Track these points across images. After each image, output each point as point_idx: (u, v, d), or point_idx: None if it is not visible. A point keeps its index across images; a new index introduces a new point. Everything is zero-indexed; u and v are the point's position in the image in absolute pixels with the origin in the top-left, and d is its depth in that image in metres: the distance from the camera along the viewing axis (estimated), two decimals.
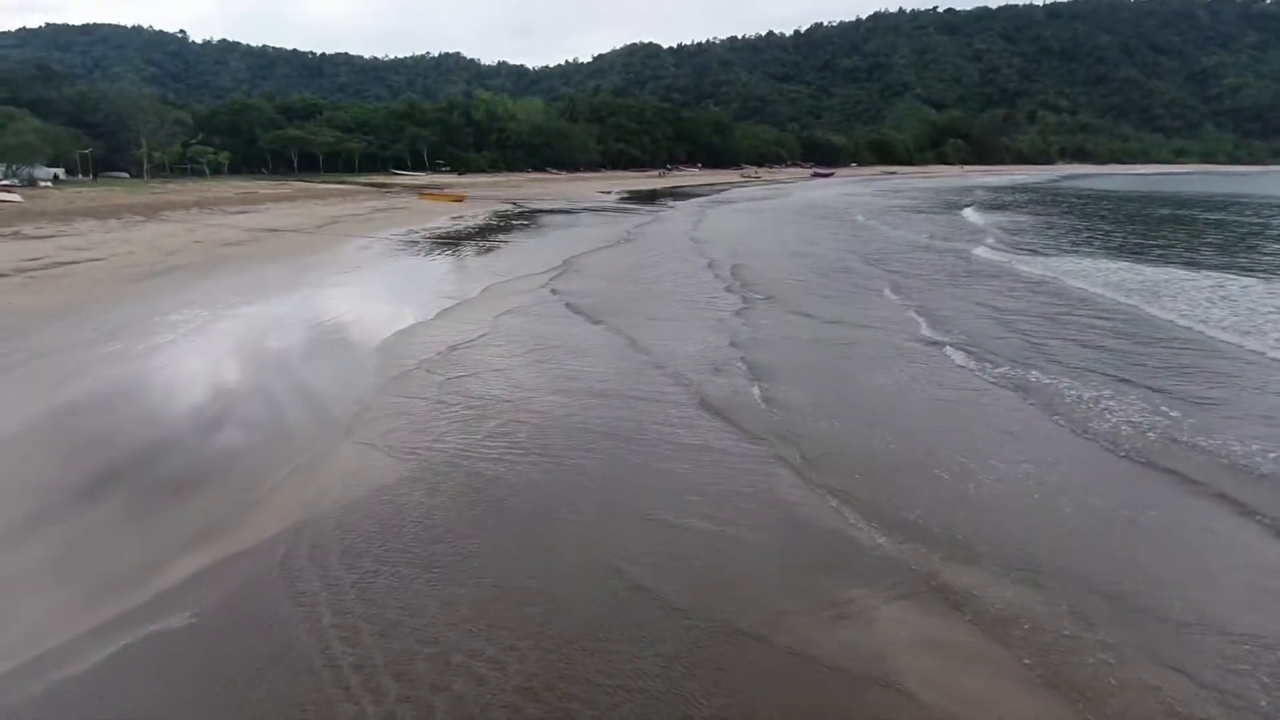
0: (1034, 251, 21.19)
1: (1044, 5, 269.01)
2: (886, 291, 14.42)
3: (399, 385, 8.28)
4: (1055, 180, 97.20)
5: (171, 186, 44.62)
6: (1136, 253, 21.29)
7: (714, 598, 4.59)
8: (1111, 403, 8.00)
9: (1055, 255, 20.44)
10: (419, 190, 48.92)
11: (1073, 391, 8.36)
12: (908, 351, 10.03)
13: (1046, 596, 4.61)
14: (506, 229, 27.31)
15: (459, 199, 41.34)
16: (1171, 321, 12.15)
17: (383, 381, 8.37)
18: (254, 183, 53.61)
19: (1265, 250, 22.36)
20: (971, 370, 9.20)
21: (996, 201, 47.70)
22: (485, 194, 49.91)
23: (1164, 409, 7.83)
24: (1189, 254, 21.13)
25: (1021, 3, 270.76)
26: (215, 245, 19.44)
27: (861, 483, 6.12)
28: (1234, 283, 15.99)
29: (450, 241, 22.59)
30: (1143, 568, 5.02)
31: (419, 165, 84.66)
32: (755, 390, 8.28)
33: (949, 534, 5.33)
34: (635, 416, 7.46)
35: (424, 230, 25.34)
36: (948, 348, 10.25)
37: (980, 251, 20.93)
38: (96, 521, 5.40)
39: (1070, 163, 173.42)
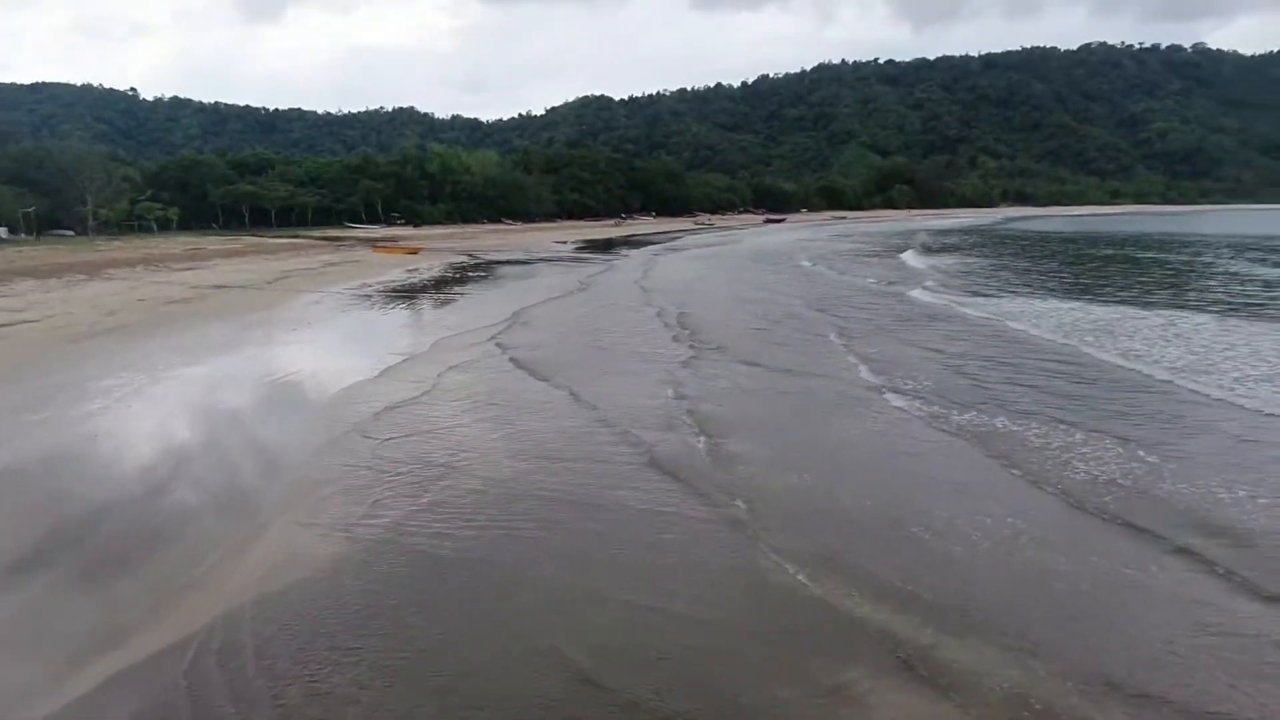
0: (988, 293, 21.79)
1: (979, 56, 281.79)
2: (832, 337, 14.60)
3: (334, 452, 7.96)
4: (1000, 223, 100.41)
5: (117, 244, 43.87)
6: (1086, 293, 21.97)
7: (691, 691, 4.17)
8: (1074, 452, 7.91)
9: (1004, 297, 21.01)
10: (373, 243, 48.80)
11: (1032, 440, 8.29)
12: (857, 400, 10.07)
13: (1051, 672, 4.30)
14: (461, 280, 27.36)
15: (413, 251, 41.34)
16: (1114, 364, 12.28)
17: (318, 448, 8.09)
18: (204, 238, 53.00)
19: (1201, 287, 23.22)
20: (924, 419, 9.18)
21: (944, 244, 49.05)
22: (440, 246, 49.96)
23: (1128, 456, 7.73)
24: (1134, 292, 21.84)
25: (958, 54, 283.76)
26: (159, 304, 19.15)
27: (831, 545, 5.86)
28: (1184, 320, 16.47)
29: (403, 295, 22.55)
30: (1135, 642, 4.70)
31: (374, 218, 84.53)
32: (709, 446, 8.15)
33: (936, 601, 5.04)
34: (583, 480, 7.20)
35: (377, 284, 25.26)
36: (894, 395, 10.31)
37: (925, 296, 21.37)
38: None
39: (1012, 205, 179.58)
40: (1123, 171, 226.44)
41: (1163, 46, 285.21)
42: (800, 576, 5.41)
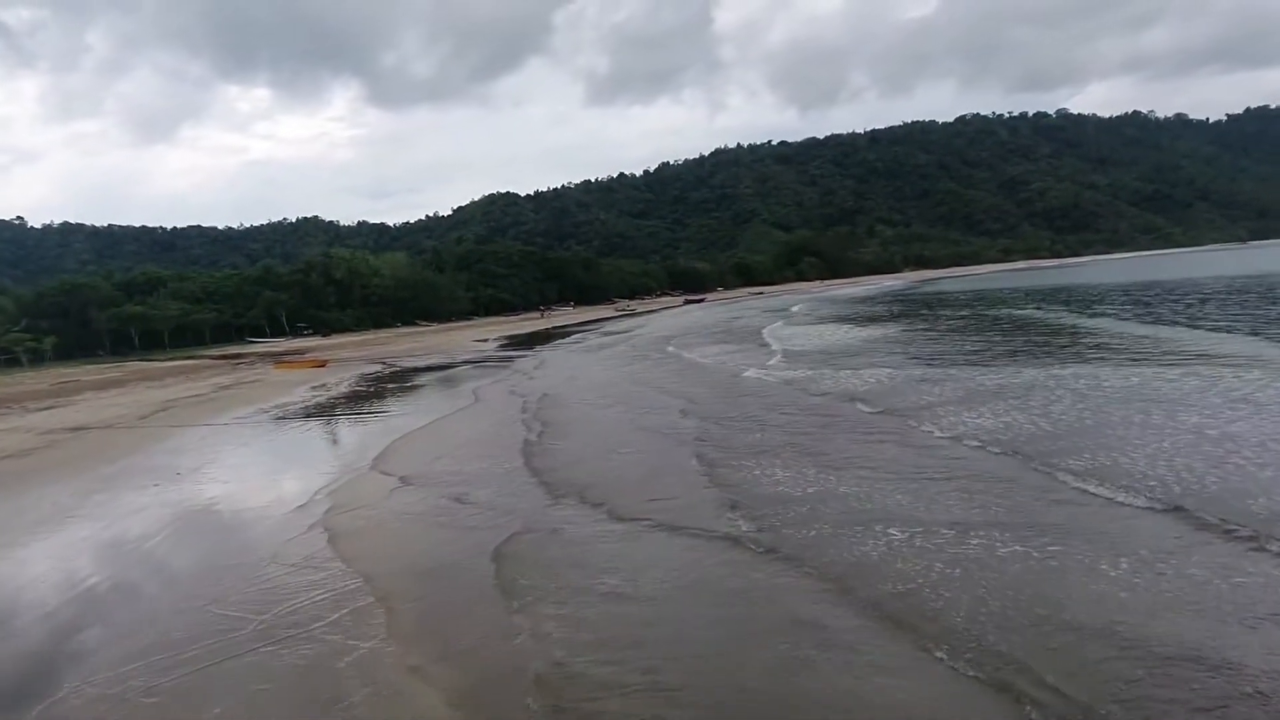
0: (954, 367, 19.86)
1: (865, 133, 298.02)
2: (693, 463, 10.84)
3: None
4: (914, 286, 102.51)
5: None
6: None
7: None
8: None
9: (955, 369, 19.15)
10: (275, 359, 44.71)
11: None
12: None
13: None
14: (374, 396, 23.95)
15: (319, 365, 37.59)
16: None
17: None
18: (80, 369, 47.72)
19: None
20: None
21: (873, 314, 48.13)
22: (352, 355, 46.17)
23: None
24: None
25: (845, 131, 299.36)
26: None
27: None
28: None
29: (305, 418, 19.14)
30: None
31: (278, 331, 79.80)
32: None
33: None
34: None
35: (274, 408, 21.65)
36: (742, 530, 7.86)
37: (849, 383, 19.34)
38: None
39: (915, 269, 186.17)
40: (1010, 230, 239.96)
41: (1030, 114, 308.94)
42: None
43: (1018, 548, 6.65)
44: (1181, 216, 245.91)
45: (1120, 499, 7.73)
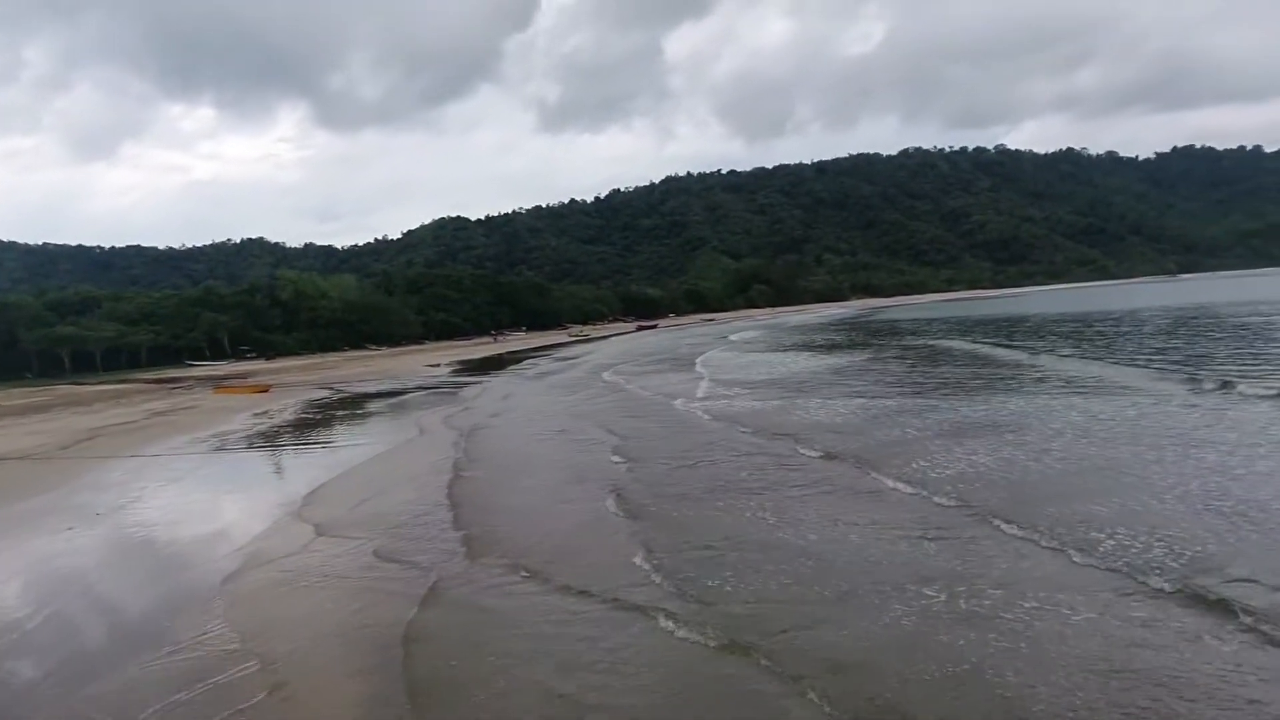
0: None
1: (812, 164, 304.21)
2: (609, 502, 10.40)
3: None
4: (865, 314, 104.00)
5: None
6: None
7: None
8: None
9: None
10: (216, 383, 42.98)
11: None
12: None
13: None
14: (321, 424, 22.91)
15: (262, 390, 36.14)
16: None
17: None
18: (2, 392, 45.19)
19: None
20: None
21: (832, 342, 48.42)
22: (297, 380, 44.64)
23: None
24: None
25: (793, 162, 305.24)
26: None
27: None
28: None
29: (247, 448, 18.13)
30: None
31: (220, 354, 77.11)
32: None
33: None
34: None
35: (211, 436, 20.52)
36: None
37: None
38: None
39: (862, 297, 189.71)
40: (952, 261, 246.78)
41: (970, 149, 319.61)
42: None
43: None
44: (1115, 249, 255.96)
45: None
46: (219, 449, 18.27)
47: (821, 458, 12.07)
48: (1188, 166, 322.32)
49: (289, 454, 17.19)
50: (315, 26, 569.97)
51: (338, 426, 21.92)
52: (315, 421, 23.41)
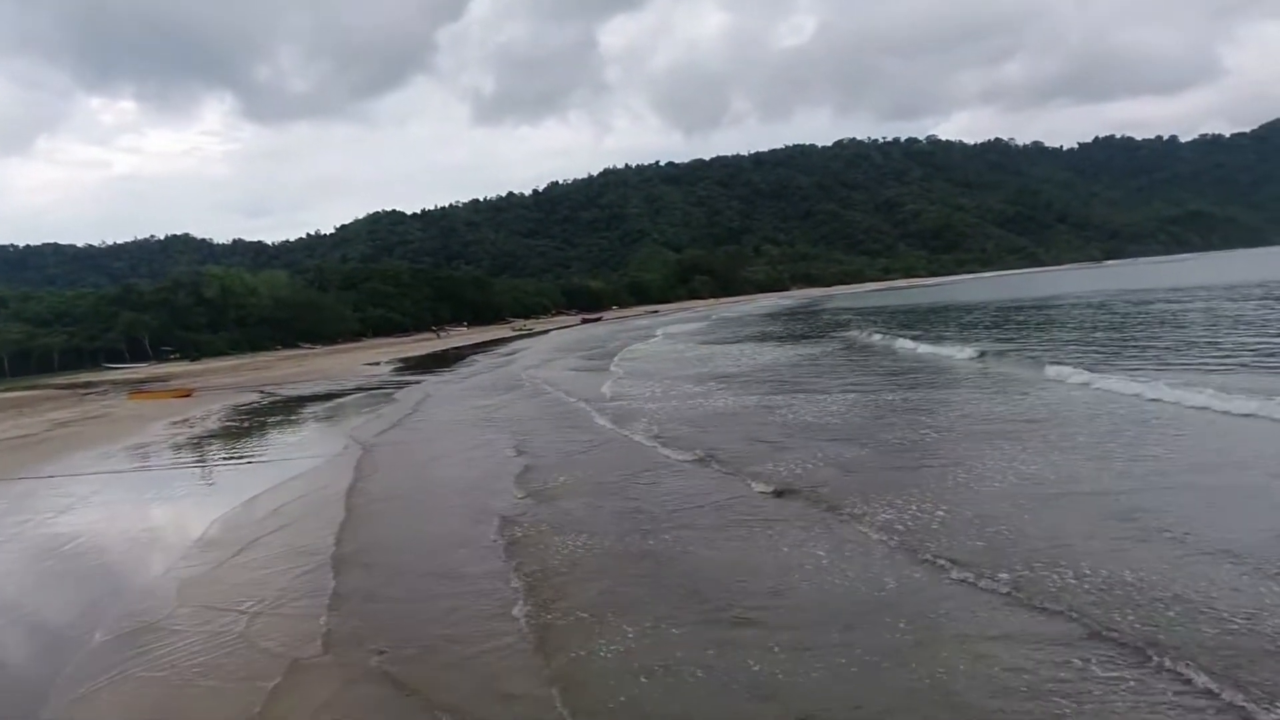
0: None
1: (749, 155, 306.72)
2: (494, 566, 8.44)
3: None
4: (815, 302, 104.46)
5: None
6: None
7: None
8: None
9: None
10: (132, 388, 40.08)
11: None
12: None
13: None
14: (248, 432, 21.05)
15: (183, 394, 33.63)
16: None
17: None
18: None
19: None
20: None
21: (791, 332, 47.76)
22: (224, 383, 42.00)
23: None
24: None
25: (730, 154, 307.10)
26: None
27: None
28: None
29: (149, 465, 16.27)
30: None
31: (141, 356, 72.90)
32: None
33: None
34: None
35: (119, 451, 18.48)
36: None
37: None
38: None
39: (802, 286, 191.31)
40: (888, 250, 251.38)
41: (902, 139, 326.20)
42: None
43: None
44: (1043, 237, 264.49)
45: None
46: (123, 471, 16.24)
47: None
48: (1108, 156, 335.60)
49: (201, 477, 15.27)
50: (242, 18, 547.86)
51: (266, 436, 20.05)
52: (242, 430, 21.42)
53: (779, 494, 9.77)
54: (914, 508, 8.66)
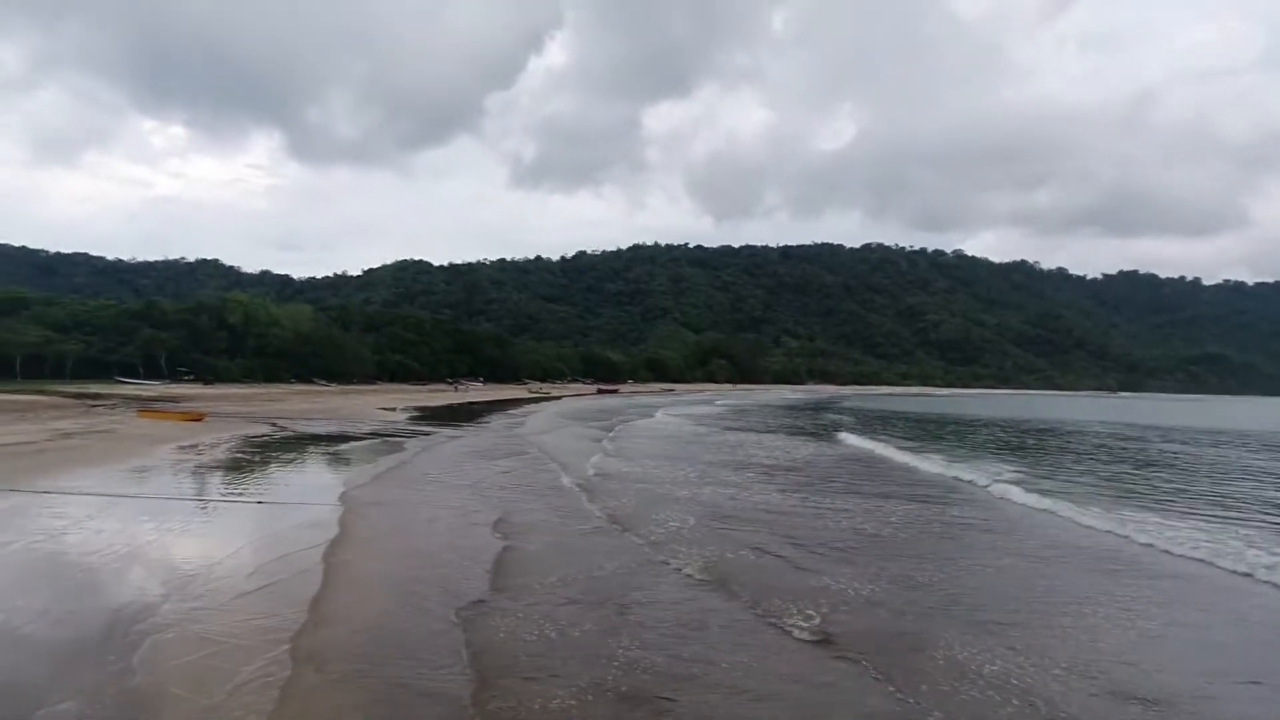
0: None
1: (777, 247, 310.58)
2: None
3: None
4: (834, 399, 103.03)
5: None
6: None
7: None
8: None
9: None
10: (142, 405, 38.86)
11: None
12: None
13: None
14: (256, 466, 19.63)
15: (195, 418, 32.34)
16: None
17: None
18: None
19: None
20: None
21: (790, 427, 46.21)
22: (236, 409, 40.78)
23: None
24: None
25: (759, 244, 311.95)
26: None
27: None
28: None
29: (150, 493, 14.85)
30: None
31: (155, 373, 71.91)
32: None
33: None
34: None
35: (122, 472, 17.12)
36: None
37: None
38: None
39: (819, 382, 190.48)
40: (905, 356, 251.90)
41: (929, 250, 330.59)
42: None
43: None
44: (1060, 361, 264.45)
45: None
46: (120, 495, 14.74)
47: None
48: (1132, 290, 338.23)
49: (203, 512, 13.73)
50: (300, 59, 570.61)
51: (270, 474, 18.59)
52: (252, 464, 20.01)
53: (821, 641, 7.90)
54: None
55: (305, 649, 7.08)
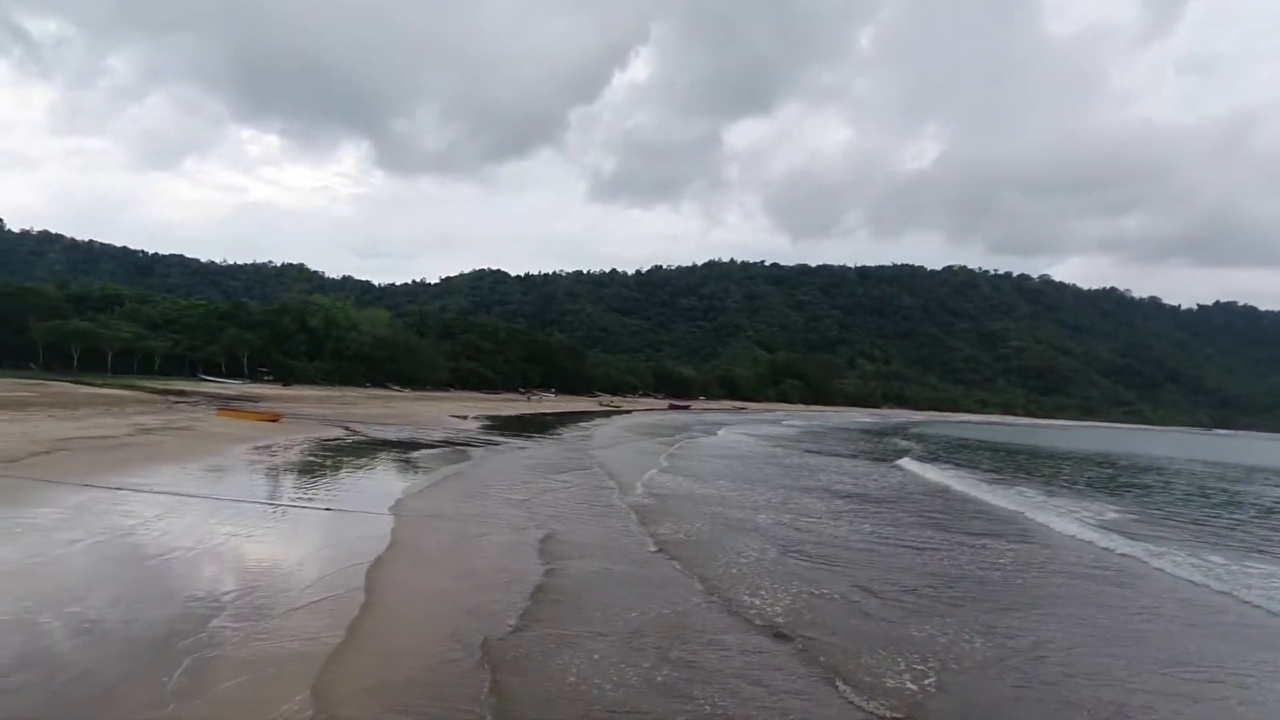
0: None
1: (855, 268, 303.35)
2: None
3: None
4: (915, 424, 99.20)
5: None
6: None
7: None
8: None
9: None
10: (221, 403, 39.02)
11: None
12: None
13: None
14: (327, 470, 18.65)
15: (272, 418, 32.03)
16: None
17: None
18: None
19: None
20: None
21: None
22: (311, 411, 40.63)
23: None
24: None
25: (836, 264, 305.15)
26: None
27: None
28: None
29: (220, 494, 13.86)
30: None
31: (237, 372, 73.62)
32: None
33: None
34: None
35: (197, 470, 16.34)
36: None
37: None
38: None
39: (893, 407, 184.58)
40: (985, 383, 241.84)
41: (1014, 274, 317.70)
42: None
43: None
44: (1150, 394, 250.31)
45: None
46: (192, 495, 13.83)
47: None
48: (1228, 322, 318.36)
49: (266, 518, 12.67)
50: (390, 73, 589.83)
51: (340, 480, 17.53)
52: (322, 467, 19.08)
53: None
54: None
55: (326, 690, 6.05)
